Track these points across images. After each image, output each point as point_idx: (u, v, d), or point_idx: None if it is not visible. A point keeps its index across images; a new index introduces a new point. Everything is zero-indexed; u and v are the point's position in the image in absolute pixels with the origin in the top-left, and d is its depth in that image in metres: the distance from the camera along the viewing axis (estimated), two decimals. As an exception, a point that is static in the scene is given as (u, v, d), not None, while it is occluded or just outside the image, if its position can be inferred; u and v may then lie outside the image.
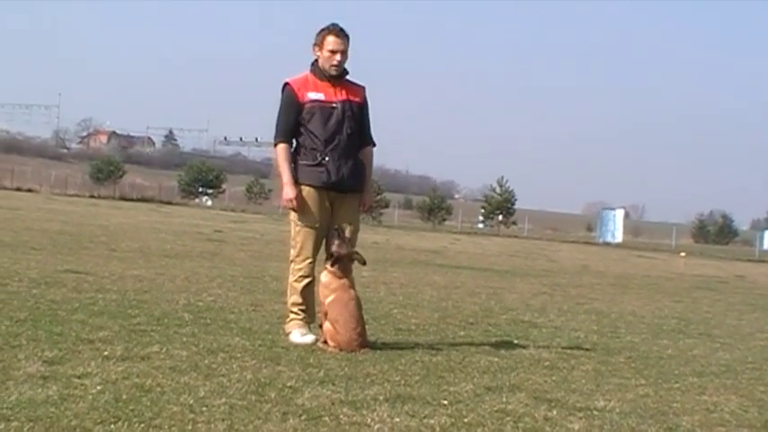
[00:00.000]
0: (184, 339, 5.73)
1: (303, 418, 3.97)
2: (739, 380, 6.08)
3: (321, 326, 5.99)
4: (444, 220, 64.28)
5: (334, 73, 6.10)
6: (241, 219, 39.51)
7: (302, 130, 6.11)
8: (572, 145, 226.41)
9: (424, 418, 4.15)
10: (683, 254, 32.61)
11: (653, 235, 71.57)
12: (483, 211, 65.06)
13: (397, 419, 4.07)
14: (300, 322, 6.13)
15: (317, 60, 6.15)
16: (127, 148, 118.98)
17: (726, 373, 6.36)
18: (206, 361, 5.07)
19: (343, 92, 6.13)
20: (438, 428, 4.00)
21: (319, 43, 6.10)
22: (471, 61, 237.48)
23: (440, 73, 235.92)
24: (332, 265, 6.00)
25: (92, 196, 55.99)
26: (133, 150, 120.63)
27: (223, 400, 4.18)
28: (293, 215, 6.20)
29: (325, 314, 5.91)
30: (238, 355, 5.34)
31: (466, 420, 4.18)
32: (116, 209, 36.78)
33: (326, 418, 3.99)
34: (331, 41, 6.05)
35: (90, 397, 4.03)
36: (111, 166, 68.72)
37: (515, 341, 7.04)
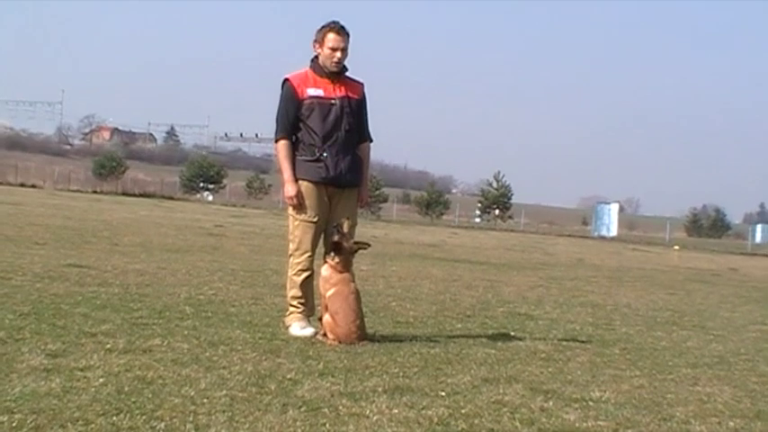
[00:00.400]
0: (186, 332, 5.78)
1: (303, 409, 4.01)
2: (732, 371, 6.14)
3: (320, 319, 6.05)
4: (442, 214, 64.47)
5: (334, 69, 6.13)
6: (241, 213, 39.46)
7: (301, 125, 6.16)
8: (567, 141, 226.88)
9: (422, 409, 4.20)
10: (676, 247, 32.58)
11: (647, 229, 71.78)
12: (480, 205, 65.27)
13: (396, 410, 4.12)
14: (300, 315, 6.18)
15: (317, 57, 6.19)
16: (129, 145, 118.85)
17: (719, 364, 6.41)
18: (207, 353, 5.12)
19: (343, 88, 6.18)
20: (436, 419, 4.04)
21: (320, 40, 6.13)
22: (469, 58, 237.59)
23: (438, 71, 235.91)
24: (333, 259, 6.06)
25: (94, 192, 55.99)
26: (135, 146, 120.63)
27: (224, 392, 4.22)
28: (291, 209, 6.26)
29: (326, 307, 5.96)
30: (239, 347, 5.39)
31: (463, 411, 4.22)
32: (118, 204, 36.74)
33: (326, 410, 4.04)
34: (331, 39, 6.09)
35: (92, 389, 4.07)
36: (113, 161, 68.94)
37: (512, 333, 7.09)
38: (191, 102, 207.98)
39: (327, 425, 3.81)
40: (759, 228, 64.86)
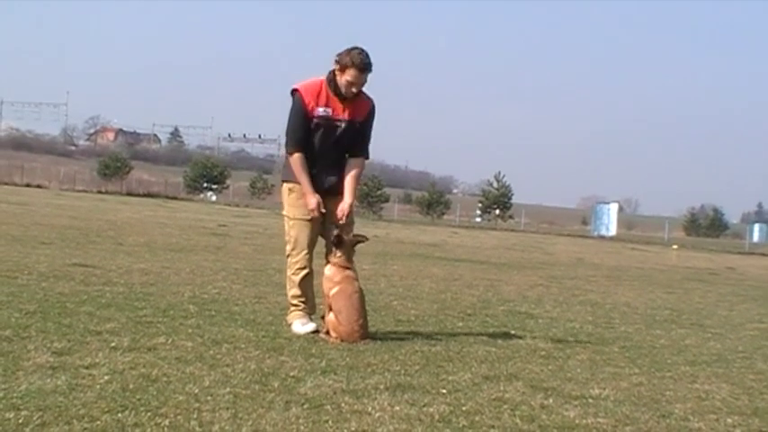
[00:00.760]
0: (190, 331, 5.82)
1: (305, 406, 4.05)
2: (730, 368, 6.18)
3: (323, 317, 6.09)
4: (443, 214, 64.50)
5: (348, 96, 6.14)
6: (245, 213, 39.46)
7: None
8: (567, 141, 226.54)
9: (424, 406, 4.23)
10: (675, 246, 32.61)
11: (646, 228, 71.81)
12: (480, 205, 65.28)
13: (398, 408, 4.15)
14: (301, 313, 6.23)
15: (334, 73, 6.14)
16: (133, 145, 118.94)
17: (717, 361, 6.45)
18: (211, 351, 5.16)
19: (351, 110, 6.16)
20: (437, 416, 4.07)
21: (341, 69, 6.07)
22: (469, 58, 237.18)
23: (438, 71, 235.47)
24: (336, 254, 6.09)
25: (99, 192, 56.14)
26: (139, 147, 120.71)
27: (227, 389, 4.25)
28: (285, 210, 6.30)
29: (329, 306, 6.00)
30: (242, 345, 5.43)
31: (464, 408, 4.25)
32: (123, 204, 36.77)
33: (328, 407, 4.07)
34: (352, 74, 6.04)
35: (98, 387, 4.10)
36: (118, 162, 69.05)
37: (512, 332, 7.13)
38: (194, 103, 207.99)
39: (330, 422, 3.84)
40: (756, 227, 64.89)
